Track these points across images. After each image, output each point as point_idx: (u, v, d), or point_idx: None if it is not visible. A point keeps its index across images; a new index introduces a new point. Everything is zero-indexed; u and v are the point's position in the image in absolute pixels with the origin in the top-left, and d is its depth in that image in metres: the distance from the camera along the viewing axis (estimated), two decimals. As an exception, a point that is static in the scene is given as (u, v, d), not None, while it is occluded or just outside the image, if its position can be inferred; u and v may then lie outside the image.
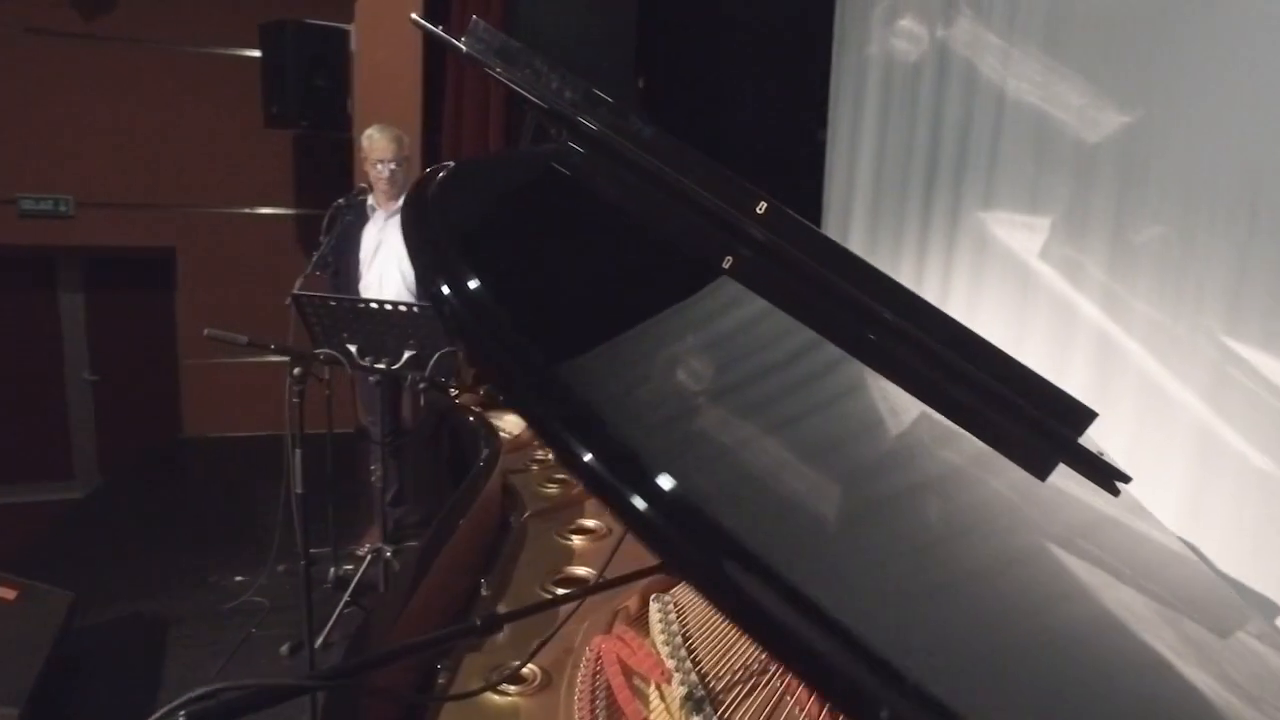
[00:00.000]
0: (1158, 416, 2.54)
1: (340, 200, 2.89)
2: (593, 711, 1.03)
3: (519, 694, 1.08)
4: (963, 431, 0.94)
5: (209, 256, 5.06)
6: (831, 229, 4.70)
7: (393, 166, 3.08)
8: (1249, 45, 2.30)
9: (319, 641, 2.73)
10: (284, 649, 2.70)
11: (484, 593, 1.39)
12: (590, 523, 1.66)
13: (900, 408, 1.06)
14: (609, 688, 1.09)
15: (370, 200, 3.11)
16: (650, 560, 0.98)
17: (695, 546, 0.68)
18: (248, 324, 4.87)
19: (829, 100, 4.42)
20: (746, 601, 0.65)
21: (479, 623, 0.82)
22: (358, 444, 3.47)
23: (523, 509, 1.70)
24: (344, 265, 3.12)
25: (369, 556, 2.80)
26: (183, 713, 0.64)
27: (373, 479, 3.06)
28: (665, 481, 0.68)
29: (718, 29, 4.90)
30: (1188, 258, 2.58)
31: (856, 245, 3.82)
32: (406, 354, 2.49)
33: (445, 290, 0.80)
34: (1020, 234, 3.15)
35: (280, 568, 3.11)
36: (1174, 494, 2.42)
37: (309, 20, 4.63)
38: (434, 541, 1.29)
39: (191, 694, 0.66)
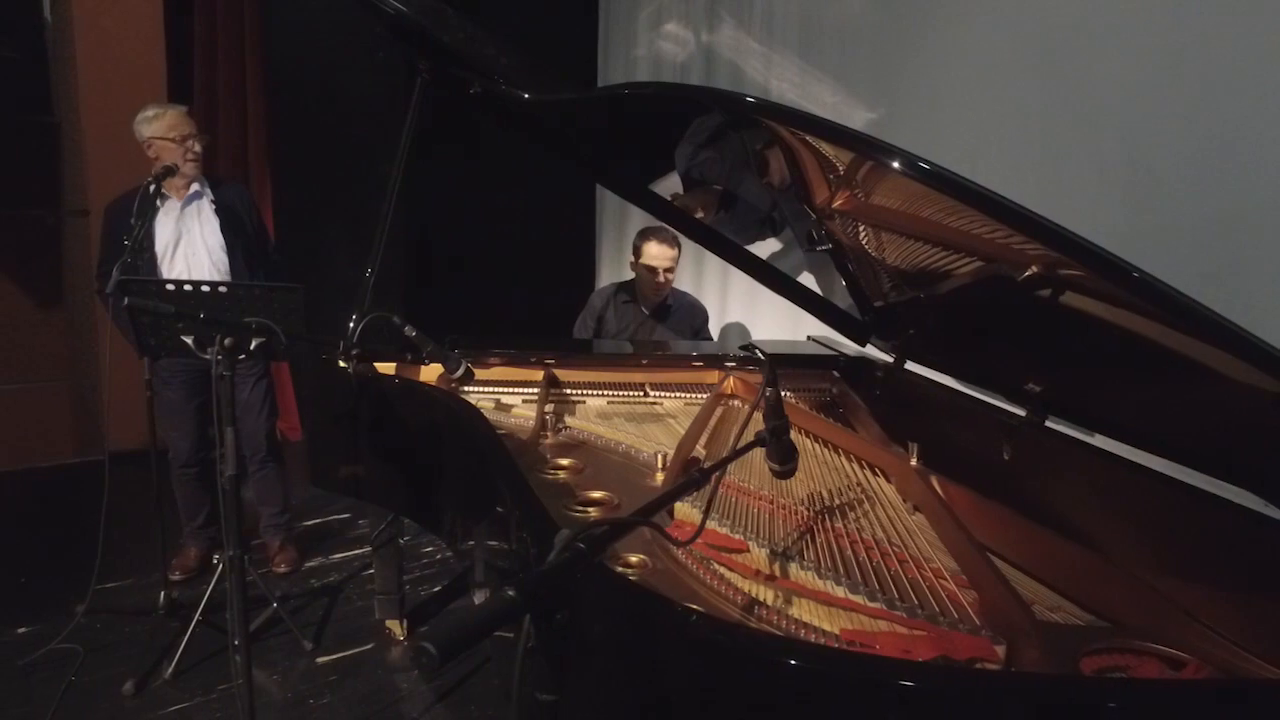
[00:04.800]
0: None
1: (149, 184, 2.55)
2: (712, 572, 1.21)
3: (643, 574, 1.21)
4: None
5: None
6: (608, 223, 5.05)
7: (201, 143, 2.80)
8: (968, 52, 2.99)
9: (169, 670, 2.44)
10: (128, 687, 2.36)
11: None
12: (565, 461, 1.78)
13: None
14: (705, 558, 1.26)
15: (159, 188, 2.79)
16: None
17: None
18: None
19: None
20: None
21: (695, 478, 0.97)
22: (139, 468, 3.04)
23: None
24: (139, 261, 2.75)
25: (220, 568, 2.53)
26: (579, 541, 0.74)
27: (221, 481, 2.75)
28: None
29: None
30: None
31: (632, 236, 4.11)
32: (255, 341, 2.32)
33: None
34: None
35: (79, 608, 2.67)
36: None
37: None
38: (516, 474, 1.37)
39: (576, 530, 0.76)
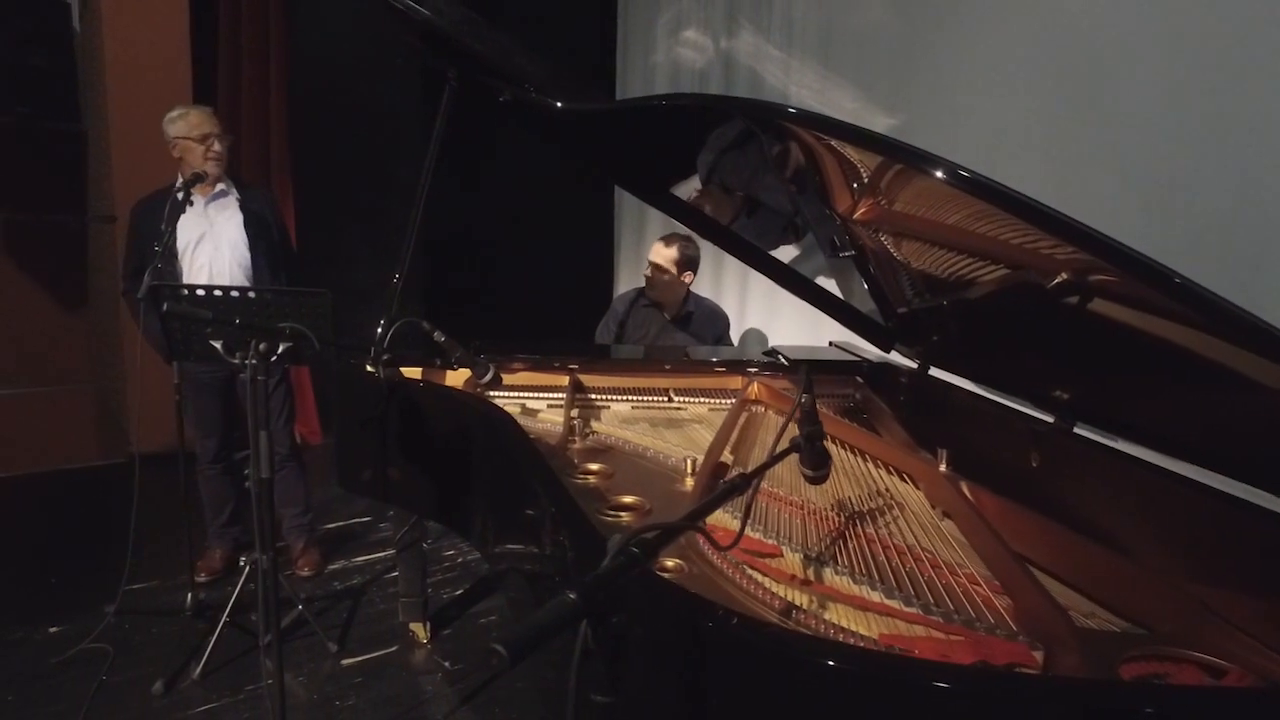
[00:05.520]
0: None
1: (178, 185, 2.60)
2: (747, 576, 1.22)
3: (680, 576, 1.22)
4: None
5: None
6: (626, 227, 5.08)
7: (224, 142, 2.83)
8: (988, 58, 2.99)
9: (197, 671, 2.47)
10: (157, 687, 2.39)
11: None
12: (594, 466, 1.79)
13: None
14: (740, 563, 1.27)
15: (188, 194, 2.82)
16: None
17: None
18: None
19: (613, 103, 4.77)
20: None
21: (737, 483, 0.98)
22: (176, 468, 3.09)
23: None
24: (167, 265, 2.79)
25: (246, 570, 2.56)
26: (632, 545, 0.75)
27: (248, 485, 2.79)
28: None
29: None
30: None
31: (650, 241, 4.12)
32: (283, 345, 2.35)
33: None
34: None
35: (108, 609, 2.71)
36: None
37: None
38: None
39: (628, 535, 0.77)
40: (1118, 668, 1.03)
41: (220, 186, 2.95)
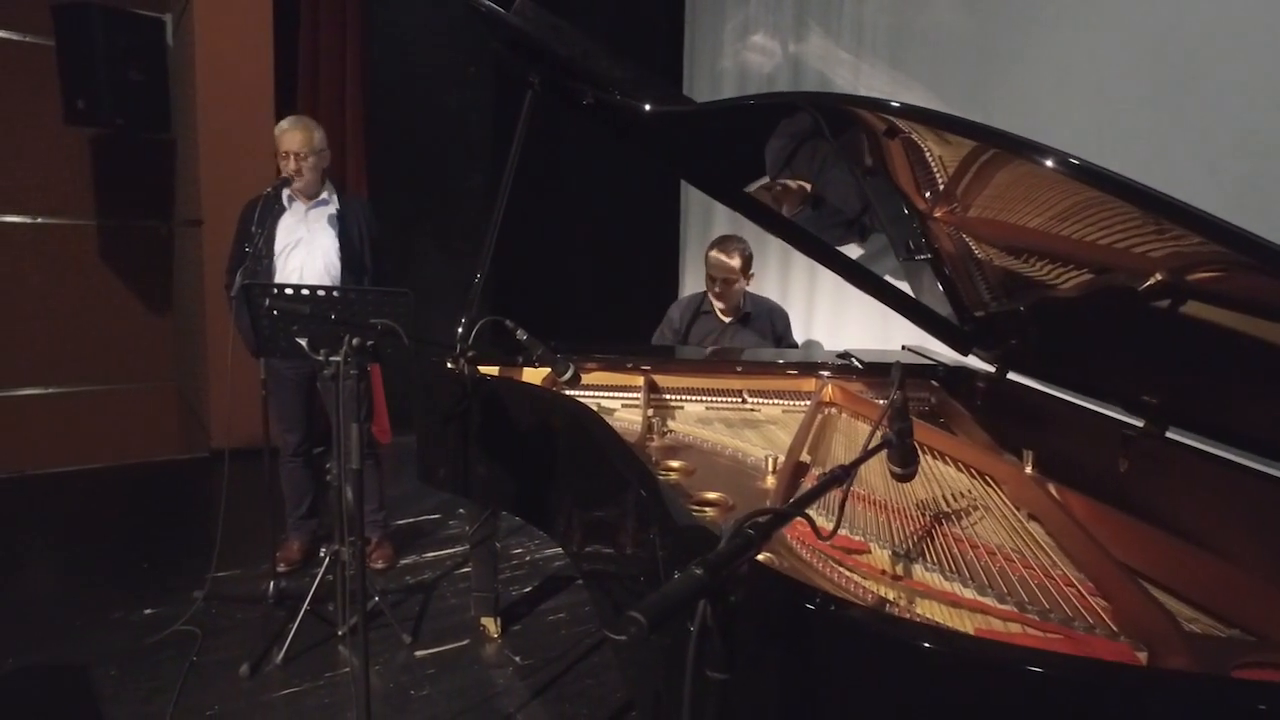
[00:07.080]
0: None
1: (269, 189, 2.72)
2: (837, 570, 1.22)
3: (779, 565, 1.23)
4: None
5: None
6: (691, 229, 5.09)
7: (305, 162, 2.91)
8: (1068, 57, 2.93)
9: (280, 656, 2.56)
10: (243, 670, 2.48)
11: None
12: (674, 463, 1.82)
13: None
14: (829, 557, 1.28)
15: (287, 191, 2.93)
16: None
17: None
18: (38, 354, 4.32)
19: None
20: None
21: (837, 474, 0.99)
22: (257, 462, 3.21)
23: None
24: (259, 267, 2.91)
25: (326, 560, 2.66)
26: (747, 527, 0.77)
27: (328, 479, 2.89)
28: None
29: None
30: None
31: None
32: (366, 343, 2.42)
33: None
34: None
35: (197, 594, 2.84)
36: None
37: (117, 6, 4.12)
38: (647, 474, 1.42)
39: (743, 518, 0.79)
40: (1229, 673, 1.01)
41: (323, 195, 3.06)
